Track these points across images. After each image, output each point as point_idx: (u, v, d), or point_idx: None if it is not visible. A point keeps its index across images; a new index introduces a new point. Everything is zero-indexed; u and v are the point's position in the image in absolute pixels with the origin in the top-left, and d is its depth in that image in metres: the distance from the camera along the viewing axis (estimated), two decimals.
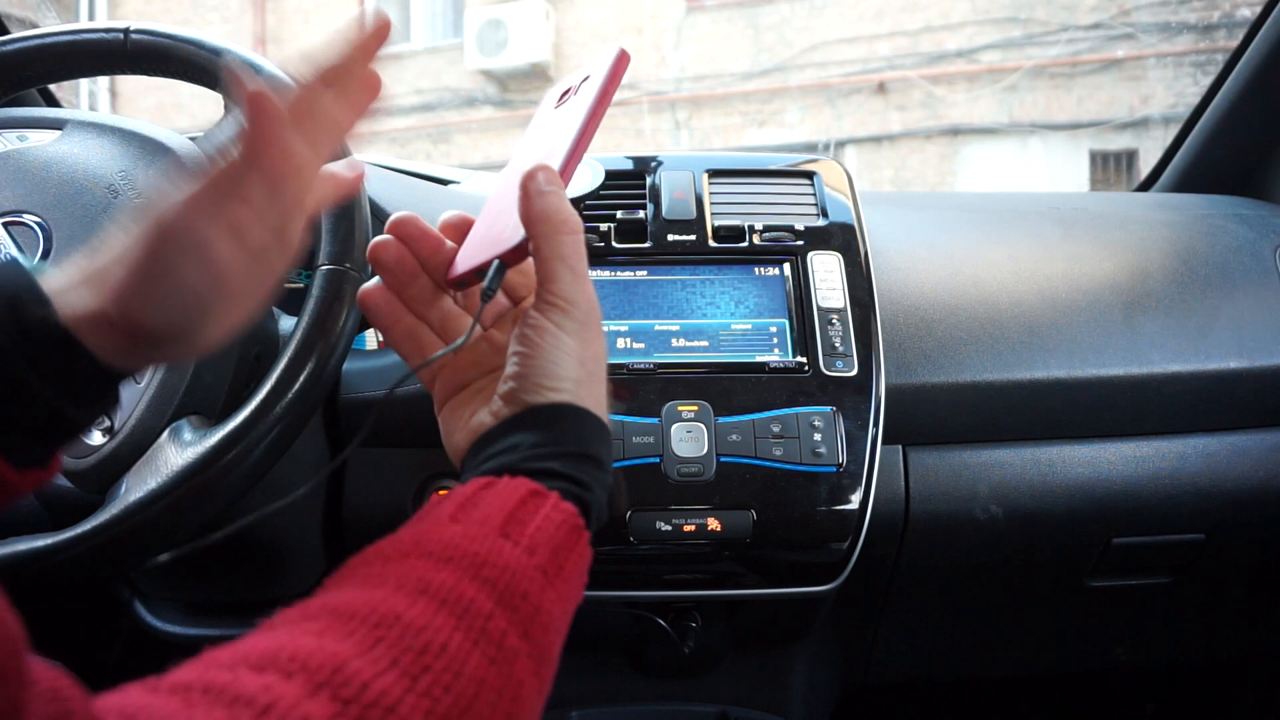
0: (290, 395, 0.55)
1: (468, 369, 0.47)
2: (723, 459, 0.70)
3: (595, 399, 0.43)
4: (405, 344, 0.47)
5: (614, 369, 0.73)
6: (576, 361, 0.42)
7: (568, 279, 0.42)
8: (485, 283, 0.43)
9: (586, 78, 0.46)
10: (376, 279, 0.47)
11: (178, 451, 0.55)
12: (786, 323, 0.76)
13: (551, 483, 0.39)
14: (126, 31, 0.61)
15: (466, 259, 0.46)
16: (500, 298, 0.49)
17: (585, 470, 0.40)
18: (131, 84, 6.06)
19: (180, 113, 6.12)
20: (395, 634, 0.30)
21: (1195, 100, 1.12)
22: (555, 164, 0.43)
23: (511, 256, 0.43)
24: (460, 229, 0.48)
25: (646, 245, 0.79)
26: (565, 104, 0.47)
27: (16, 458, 0.40)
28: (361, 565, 0.35)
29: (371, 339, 0.85)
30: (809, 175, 0.85)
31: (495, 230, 0.45)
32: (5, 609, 0.24)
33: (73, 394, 0.39)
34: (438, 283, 0.47)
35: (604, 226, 0.79)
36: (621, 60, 0.45)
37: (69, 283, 0.39)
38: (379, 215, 0.78)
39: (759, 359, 0.74)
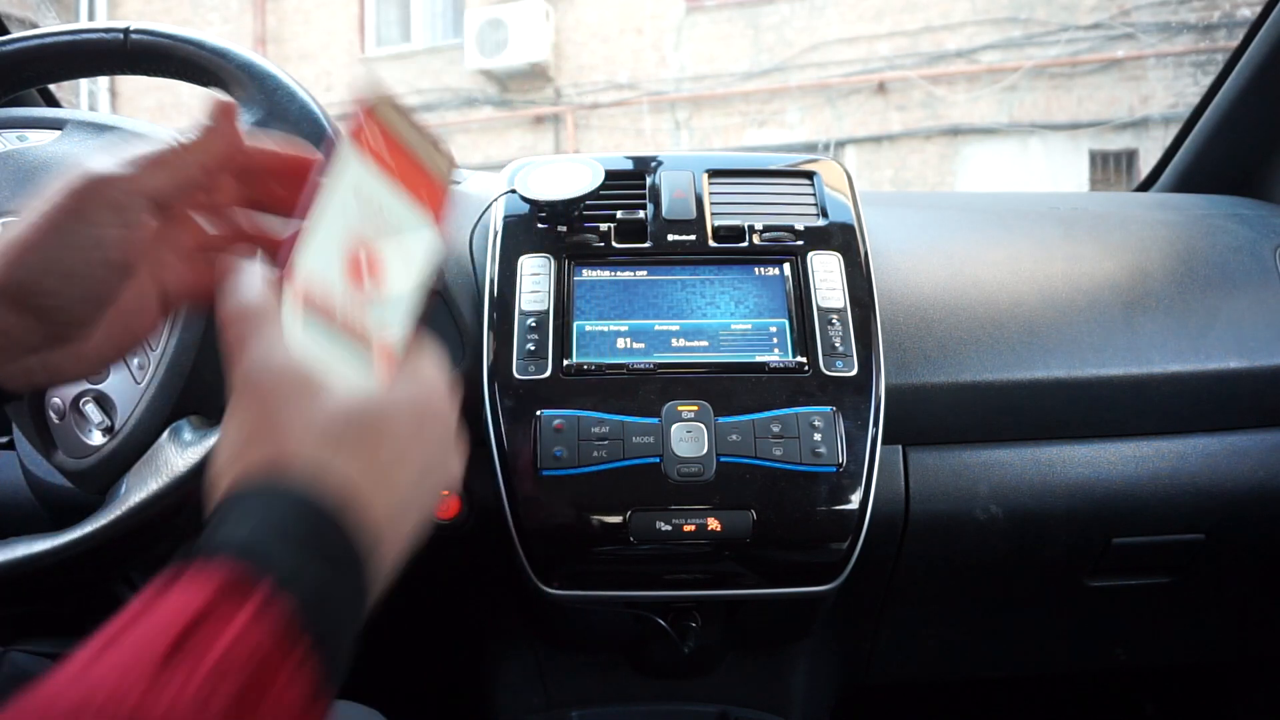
0: None
1: None
2: (723, 459, 0.70)
3: (303, 459, 0.32)
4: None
5: (614, 369, 0.73)
6: (240, 432, 0.34)
7: (238, 361, 0.36)
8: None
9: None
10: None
11: (178, 452, 0.55)
12: (786, 323, 0.76)
13: (249, 570, 0.28)
14: (126, 31, 0.61)
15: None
16: None
17: (294, 551, 0.30)
18: (131, 84, 6.06)
19: (180, 113, 6.12)
20: None
21: (1195, 100, 1.12)
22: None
23: None
24: None
25: (646, 245, 0.79)
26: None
27: None
28: None
29: None
30: (809, 175, 0.85)
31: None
32: None
33: None
34: None
35: (604, 226, 0.79)
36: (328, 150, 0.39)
37: None
38: None
39: (759, 359, 0.74)
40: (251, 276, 0.36)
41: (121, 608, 0.27)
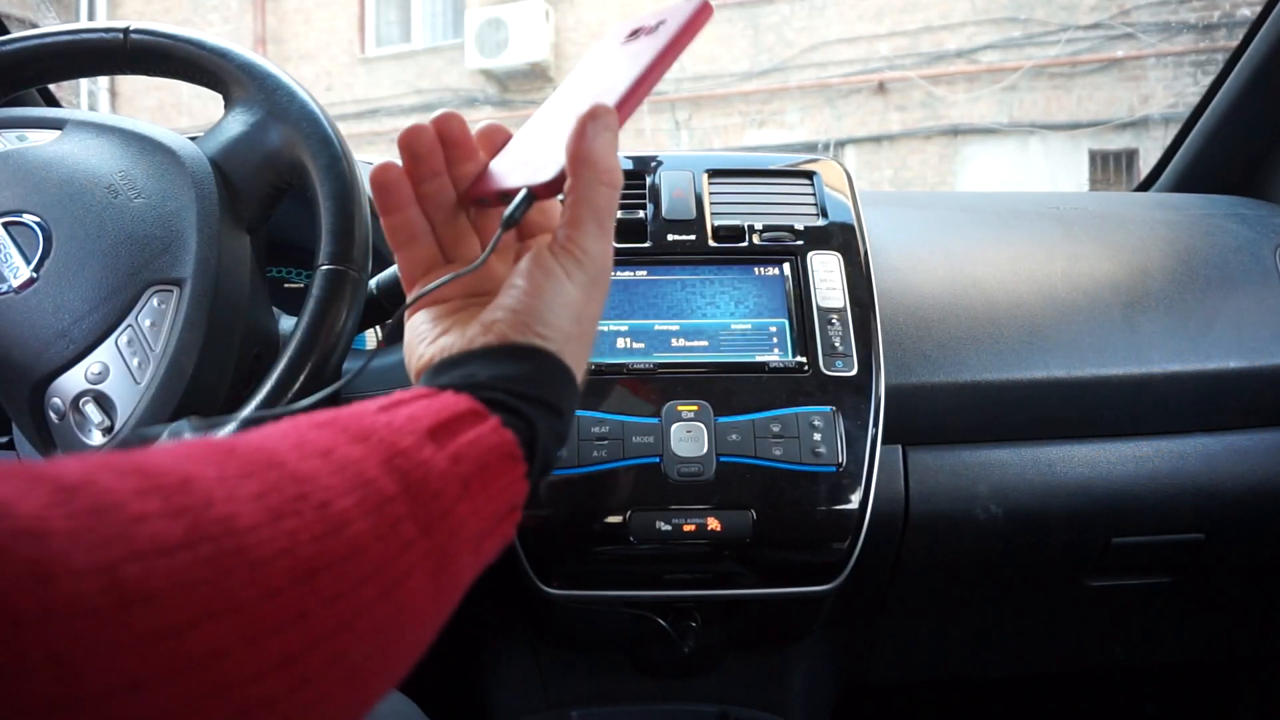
0: (290, 395, 0.55)
1: (450, 285, 0.44)
2: (723, 459, 0.70)
3: (577, 357, 0.41)
4: (400, 234, 0.44)
5: (614, 369, 0.73)
6: (574, 315, 0.40)
7: (593, 231, 0.40)
8: (509, 210, 0.41)
9: (663, 22, 0.44)
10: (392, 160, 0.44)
11: None
12: (786, 323, 0.76)
13: (499, 411, 0.36)
14: (126, 31, 0.61)
15: (495, 178, 0.44)
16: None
17: (542, 415, 0.38)
18: (131, 84, 6.05)
19: (180, 113, 6.12)
20: (273, 476, 0.28)
21: (1195, 100, 1.12)
22: (613, 103, 0.40)
23: (544, 190, 0.41)
24: (494, 142, 0.46)
25: (646, 245, 0.79)
26: (634, 43, 0.44)
27: None
28: (269, 426, 0.32)
29: (371, 339, 0.85)
30: (809, 175, 0.85)
31: (533, 157, 0.43)
32: None
33: None
34: (458, 192, 0.45)
35: None
36: (703, 11, 0.42)
37: None
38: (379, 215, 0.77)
39: (759, 359, 0.74)
40: (614, 127, 0.40)
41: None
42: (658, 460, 0.70)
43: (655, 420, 0.71)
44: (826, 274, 0.77)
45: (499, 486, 0.35)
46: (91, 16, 5.95)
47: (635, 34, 0.45)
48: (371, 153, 0.98)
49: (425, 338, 0.43)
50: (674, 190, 0.82)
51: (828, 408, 0.71)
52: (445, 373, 0.39)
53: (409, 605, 0.30)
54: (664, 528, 0.69)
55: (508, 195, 0.42)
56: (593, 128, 0.39)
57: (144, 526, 0.23)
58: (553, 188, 0.40)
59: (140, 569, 0.22)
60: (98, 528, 0.22)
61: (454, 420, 0.35)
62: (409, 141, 0.43)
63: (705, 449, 0.70)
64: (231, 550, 0.24)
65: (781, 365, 0.73)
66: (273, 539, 0.26)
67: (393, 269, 0.64)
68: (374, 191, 0.44)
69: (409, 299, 0.44)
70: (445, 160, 0.44)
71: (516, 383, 0.38)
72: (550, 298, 0.40)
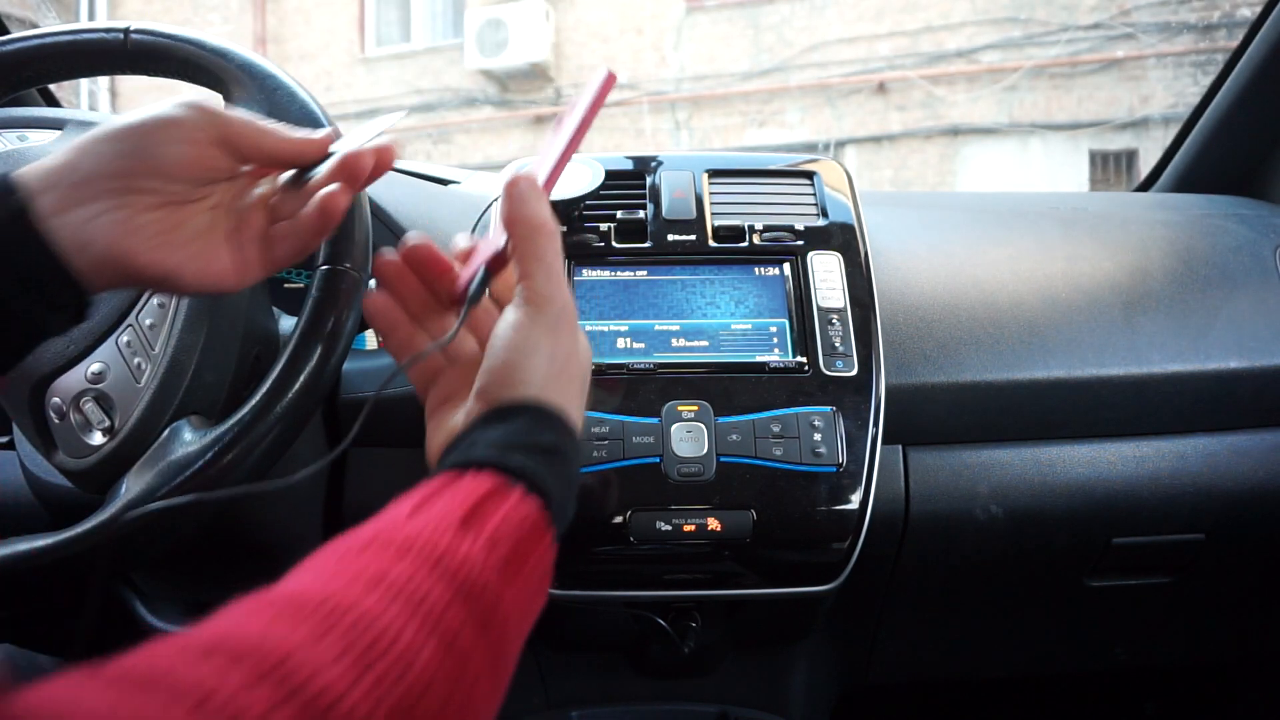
0: (290, 395, 0.55)
1: (461, 379, 0.48)
2: (723, 459, 0.70)
3: (564, 394, 0.44)
4: (403, 352, 0.49)
5: (614, 369, 0.73)
6: (547, 356, 0.44)
7: (541, 277, 0.45)
8: (471, 288, 0.47)
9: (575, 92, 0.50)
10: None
11: (178, 451, 0.55)
12: (786, 323, 0.76)
13: (513, 479, 0.39)
14: (126, 31, 0.61)
15: (465, 274, 0.49)
16: (493, 308, 0.50)
17: (541, 461, 0.40)
18: (131, 84, 6.04)
19: None
20: (347, 624, 0.30)
21: (1195, 100, 1.12)
22: (539, 173, 0.47)
23: (495, 262, 0.46)
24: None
25: (646, 245, 0.79)
26: (563, 123, 0.50)
27: None
28: (320, 558, 0.35)
29: (371, 339, 0.85)
30: (809, 175, 0.85)
31: (487, 242, 0.49)
32: None
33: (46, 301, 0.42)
34: (446, 302, 0.50)
35: (604, 226, 0.79)
36: (608, 82, 0.49)
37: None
38: (379, 215, 0.78)
39: (759, 359, 0.74)
40: (535, 187, 0.46)
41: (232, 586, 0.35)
42: (658, 460, 0.70)
43: (655, 420, 0.71)
44: (827, 274, 0.77)
45: (534, 559, 0.38)
46: (91, 16, 5.93)
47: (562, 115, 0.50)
48: None
49: (439, 430, 0.47)
50: (674, 190, 0.82)
51: (828, 408, 0.71)
52: (452, 451, 0.42)
53: (480, 707, 0.33)
54: (664, 528, 0.69)
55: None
56: (515, 192, 0.45)
57: None
58: (501, 258, 0.46)
59: None
60: None
61: (480, 503, 0.37)
62: (377, 271, 0.49)
63: (705, 449, 0.70)
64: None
65: (782, 365, 0.73)
66: (366, 696, 0.28)
67: None
68: (368, 319, 0.49)
69: (391, 375, 0.47)
70: (426, 278, 0.49)
71: (512, 436, 0.41)
72: (522, 348, 0.43)
